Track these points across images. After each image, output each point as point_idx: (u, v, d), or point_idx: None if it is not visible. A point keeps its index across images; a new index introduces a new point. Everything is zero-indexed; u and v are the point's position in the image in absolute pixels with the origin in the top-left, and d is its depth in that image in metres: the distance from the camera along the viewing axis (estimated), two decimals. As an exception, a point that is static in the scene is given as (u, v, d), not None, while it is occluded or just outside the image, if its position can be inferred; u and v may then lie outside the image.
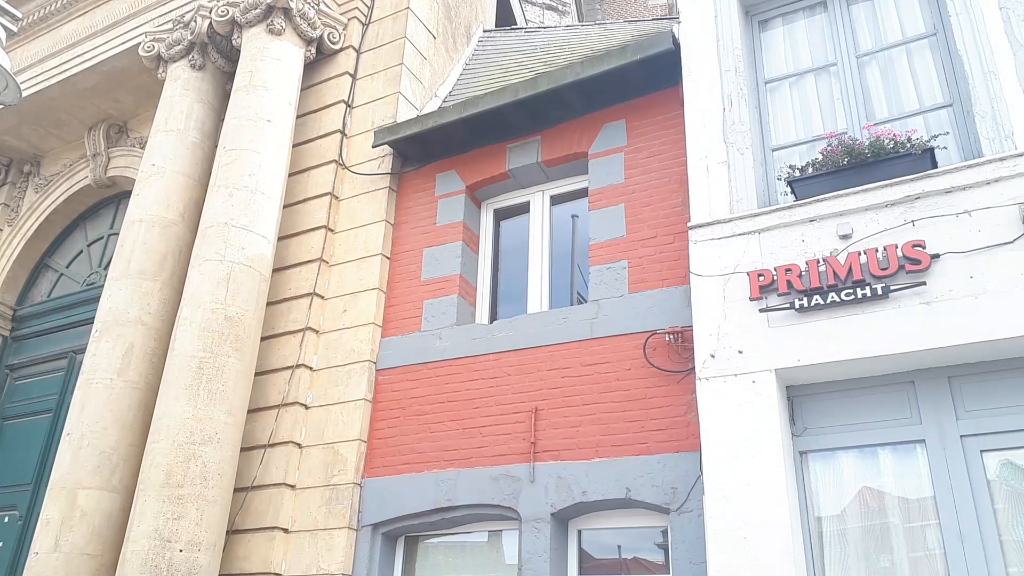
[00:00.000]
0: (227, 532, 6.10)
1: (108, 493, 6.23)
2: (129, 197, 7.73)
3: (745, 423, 4.75)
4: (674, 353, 5.60)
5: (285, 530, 6.21)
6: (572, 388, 5.89)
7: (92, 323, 7.42)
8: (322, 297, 7.11)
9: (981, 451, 4.40)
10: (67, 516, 6.07)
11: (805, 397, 4.98)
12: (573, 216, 7.04)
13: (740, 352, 4.95)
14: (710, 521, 4.61)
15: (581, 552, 5.70)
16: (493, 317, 6.98)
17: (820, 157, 5.25)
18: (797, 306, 4.82)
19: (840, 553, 4.64)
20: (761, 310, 4.96)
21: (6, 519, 8.34)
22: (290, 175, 7.59)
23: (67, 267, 9.73)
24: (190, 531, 5.65)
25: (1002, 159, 4.62)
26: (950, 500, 4.39)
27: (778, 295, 4.94)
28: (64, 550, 5.98)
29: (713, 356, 5.03)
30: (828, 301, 4.75)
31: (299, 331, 6.92)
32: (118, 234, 7.69)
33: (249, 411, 6.54)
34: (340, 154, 7.62)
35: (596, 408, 5.74)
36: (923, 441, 4.57)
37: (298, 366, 6.75)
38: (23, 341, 9.48)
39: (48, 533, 6.05)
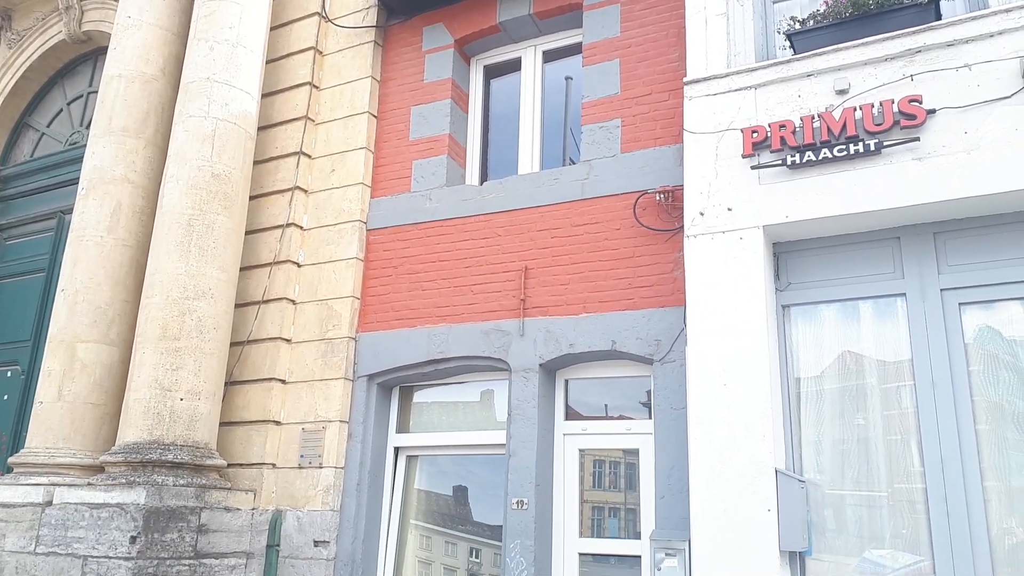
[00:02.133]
0: (226, 383, 6.29)
1: (106, 346, 6.36)
2: (106, 54, 7.43)
3: (730, 278, 4.84)
4: (664, 212, 5.62)
5: (283, 381, 6.42)
6: (562, 248, 5.95)
7: (77, 183, 7.32)
8: (309, 156, 7.02)
9: (960, 304, 4.52)
10: (68, 368, 6.23)
11: (791, 253, 5.05)
12: (567, 78, 6.85)
13: (729, 210, 4.97)
14: (691, 368, 4.78)
15: (568, 400, 5.94)
16: (483, 178, 6.93)
17: (823, 8, 5.08)
18: (789, 163, 4.81)
19: (816, 408, 4.85)
20: (753, 167, 4.94)
21: (9, 374, 8.55)
22: (272, 29, 7.30)
23: (48, 126, 9.48)
24: (189, 381, 5.83)
25: (1008, 10, 4.49)
26: (926, 357, 4.53)
27: (771, 152, 4.90)
28: (67, 399, 6.17)
29: (702, 214, 5.05)
30: (820, 157, 4.72)
31: (287, 190, 6.87)
32: (97, 92, 7.46)
33: (242, 269, 6.60)
34: (323, 6, 7.31)
35: (585, 267, 5.82)
36: (904, 295, 4.68)
37: (288, 225, 6.75)
38: (9, 201, 9.37)
39: (51, 384, 6.23)
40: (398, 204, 6.72)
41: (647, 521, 5.33)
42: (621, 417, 5.75)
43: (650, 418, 5.46)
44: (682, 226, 5.26)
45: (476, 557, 6.03)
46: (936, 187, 4.42)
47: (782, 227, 4.86)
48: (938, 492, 4.33)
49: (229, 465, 6.21)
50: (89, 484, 5.64)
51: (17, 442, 8.06)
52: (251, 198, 6.80)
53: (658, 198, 5.61)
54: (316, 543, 5.94)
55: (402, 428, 6.53)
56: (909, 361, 4.61)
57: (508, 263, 6.13)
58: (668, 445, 5.12)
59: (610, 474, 5.72)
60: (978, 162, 4.35)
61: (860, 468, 4.65)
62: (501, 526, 5.63)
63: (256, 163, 6.92)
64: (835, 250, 4.94)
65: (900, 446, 4.58)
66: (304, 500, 6.08)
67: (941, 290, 4.57)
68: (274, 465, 6.24)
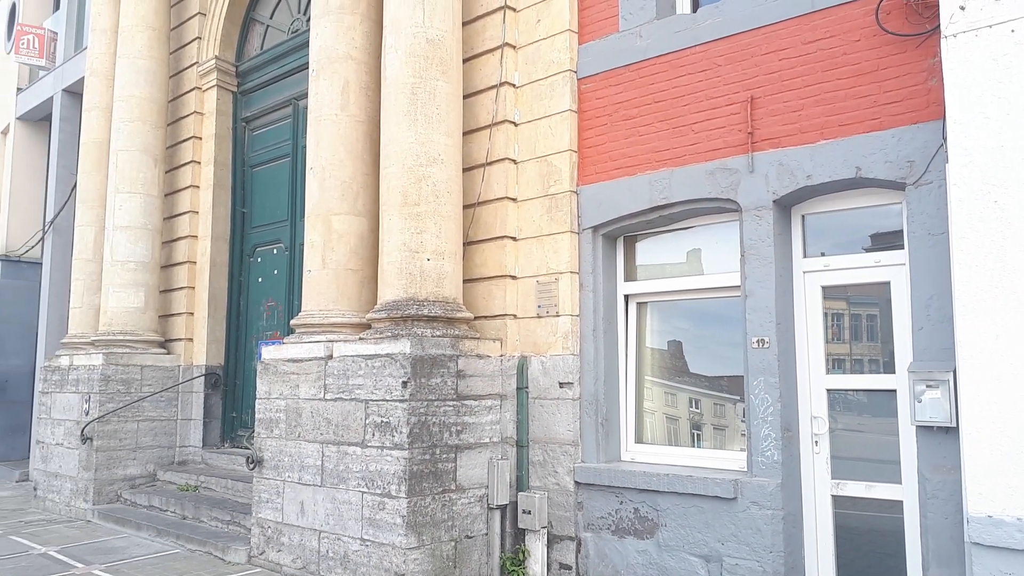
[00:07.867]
0: (463, 244, 6.69)
1: (355, 217, 6.96)
2: (313, -62, 7.65)
3: (999, 79, 4.23)
4: (913, 15, 4.97)
5: (513, 238, 6.70)
6: (791, 71, 5.50)
7: (305, 69, 7.75)
8: (514, 9, 6.92)
9: None
10: (327, 239, 6.91)
11: (1080, 42, 4.29)
12: None
13: (998, -1, 4.27)
14: (953, 188, 4.33)
15: (805, 236, 5.67)
16: (696, 5, 6.47)
17: None
18: (1081, -71, 4.00)
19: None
20: (1030, -58, 4.17)
21: (275, 251, 9.69)
22: None
23: (271, 18, 10.11)
24: (432, 243, 6.26)
25: None
26: None
27: (1054, -81, 4.10)
28: (331, 267, 6.89)
29: (963, 8, 4.39)
30: (1125, -85, 3.87)
31: (497, 48, 6.88)
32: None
33: (463, 133, 6.81)
34: None
35: (819, 88, 5.36)
36: None
37: (502, 84, 6.80)
38: (250, 94, 10.26)
39: (315, 254, 6.97)
40: (607, 47, 6.51)
41: (902, 356, 5.08)
42: (867, 250, 5.40)
43: (903, 248, 5.08)
44: (937, 27, 4.63)
45: (696, 407, 6.17)
46: None
47: (1069, 11, 4.11)
48: None
49: (476, 318, 6.71)
50: (360, 339, 6.36)
51: (289, 309, 9.23)
52: (464, 61, 6.90)
53: (906, -2, 4.95)
54: (561, 384, 6.34)
55: (629, 276, 6.62)
56: None
57: (731, 95, 5.79)
58: (926, 273, 4.76)
59: (853, 321, 5.47)
60: None
61: None
62: (718, 377, 5.67)
63: (464, 24, 6.96)
64: None
65: None
66: (545, 346, 6.46)
67: None
68: (515, 316, 6.65)
